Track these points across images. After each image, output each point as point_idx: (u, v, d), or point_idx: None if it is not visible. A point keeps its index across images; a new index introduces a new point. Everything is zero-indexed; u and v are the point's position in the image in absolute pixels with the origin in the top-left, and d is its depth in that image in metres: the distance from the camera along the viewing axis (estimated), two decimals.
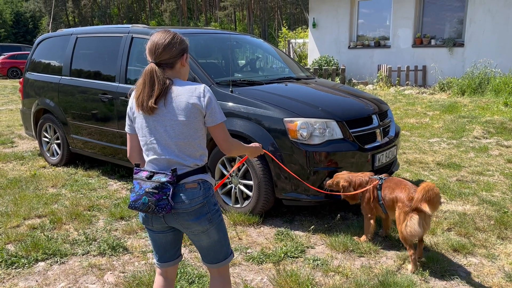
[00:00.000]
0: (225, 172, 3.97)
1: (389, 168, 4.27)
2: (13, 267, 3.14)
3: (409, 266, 3.01)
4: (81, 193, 4.71)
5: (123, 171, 5.38)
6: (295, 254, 3.26)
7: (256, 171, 3.71)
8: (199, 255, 2.36)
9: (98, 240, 3.55)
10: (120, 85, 4.75)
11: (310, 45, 15.90)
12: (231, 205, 4.01)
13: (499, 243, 3.40)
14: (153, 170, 1.92)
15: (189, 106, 1.88)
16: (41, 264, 3.19)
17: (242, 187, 3.93)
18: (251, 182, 3.81)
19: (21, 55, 23.08)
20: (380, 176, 3.39)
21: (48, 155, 5.95)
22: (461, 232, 3.55)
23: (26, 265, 3.15)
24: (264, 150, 2.49)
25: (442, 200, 2.89)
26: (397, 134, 4.37)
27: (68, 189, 4.83)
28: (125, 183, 5.07)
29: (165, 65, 1.92)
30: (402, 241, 3.05)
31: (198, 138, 1.94)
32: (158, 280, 2.17)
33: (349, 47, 14.71)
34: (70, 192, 4.74)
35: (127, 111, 2.03)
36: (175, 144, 1.91)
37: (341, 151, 3.67)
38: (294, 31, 25.41)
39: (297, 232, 3.67)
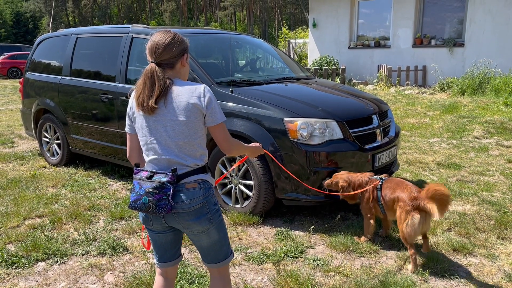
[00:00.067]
0: (224, 171, 3.97)
1: (389, 168, 4.27)
2: (13, 267, 3.14)
3: (409, 266, 3.02)
4: (81, 193, 4.72)
5: (123, 171, 5.39)
6: (295, 254, 3.26)
7: (256, 171, 3.72)
8: (199, 255, 2.36)
9: (98, 240, 3.55)
10: (120, 85, 4.75)
11: (310, 45, 15.90)
12: (231, 205, 4.01)
13: (499, 243, 3.41)
14: (153, 170, 1.92)
15: (189, 106, 1.88)
16: (41, 264, 3.20)
17: (242, 187, 3.93)
18: (251, 182, 3.81)
19: (21, 55, 23.09)
20: (380, 176, 3.39)
21: (48, 155, 5.95)
22: (461, 232, 3.56)
23: (26, 265, 3.16)
24: (264, 150, 2.49)
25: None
26: (397, 134, 4.37)
27: (68, 189, 4.84)
28: (125, 183, 5.07)
29: (165, 65, 1.92)
30: (402, 241, 3.05)
31: (198, 138, 1.94)
32: (158, 280, 2.17)
33: (349, 47, 14.71)
34: (70, 192, 4.74)
35: (127, 111, 2.03)
36: (175, 144, 1.91)
37: (341, 151, 3.67)
38: (294, 31, 25.43)
39: (297, 232, 3.67)
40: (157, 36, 1.93)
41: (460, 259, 3.17)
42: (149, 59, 1.92)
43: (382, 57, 13.84)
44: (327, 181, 3.50)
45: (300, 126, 3.61)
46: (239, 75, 5.02)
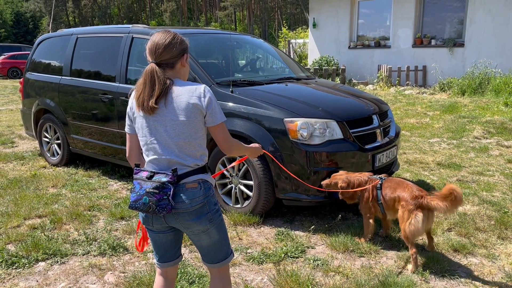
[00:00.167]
0: (225, 172, 3.97)
1: (389, 168, 4.27)
2: (14, 267, 3.14)
3: (409, 266, 3.02)
4: (82, 193, 4.72)
5: (124, 171, 5.39)
6: (295, 254, 3.26)
7: (256, 171, 3.72)
8: (200, 255, 2.36)
9: (98, 240, 3.55)
10: (121, 85, 4.75)
11: (310, 45, 15.90)
12: (231, 205, 4.01)
13: (499, 243, 3.41)
14: (153, 170, 1.92)
15: (189, 106, 1.88)
16: (42, 264, 3.20)
17: (242, 187, 3.93)
18: (251, 182, 3.81)
19: (21, 55, 23.10)
20: (379, 176, 3.39)
21: (49, 155, 5.96)
22: (462, 232, 3.56)
23: (27, 265, 3.16)
24: (264, 151, 2.49)
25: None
26: (397, 134, 4.37)
27: (69, 189, 4.84)
28: (126, 183, 5.08)
29: (165, 65, 1.92)
30: (404, 240, 3.06)
31: (198, 138, 1.94)
32: (158, 280, 2.17)
33: (349, 47, 14.71)
34: (71, 192, 4.74)
35: (127, 111, 2.03)
36: (176, 144, 1.91)
37: (342, 151, 3.67)
38: (294, 31, 25.43)
39: (297, 232, 3.67)
40: (157, 36, 1.93)
41: (460, 259, 3.17)
42: (149, 59, 1.92)
43: (382, 57, 13.84)
44: (325, 181, 3.50)
45: (300, 126, 3.61)
46: (239, 75, 5.02)
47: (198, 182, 1.94)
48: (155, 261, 2.18)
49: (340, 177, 3.44)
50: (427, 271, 2.96)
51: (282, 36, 24.42)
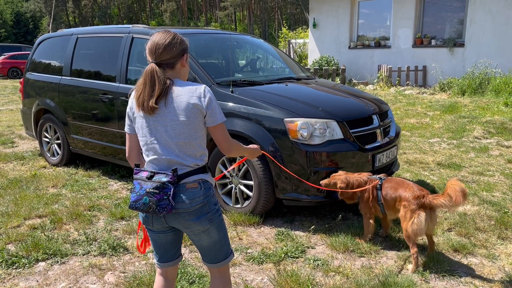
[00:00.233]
0: (223, 170, 3.97)
1: (390, 168, 4.27)
2: (14, 267, 3.14)
3: (409, 266, 3.02)
4: (82, 193, 4.72)
5: (124, 171, 5.39)
6: (295, 254, 3.26)
7: (256, 171, 3.72)
8: (200, 255, 2.36)
9: (98, 240, 3.55)
10: (121, 85, 4.75)
11: (310, 45, 15.91)
12: (231, 205, 4.01)
13: (499, 243, 3.41)
14: (154, 170, 1.92)
15: (189, 106, 1.88)
16: (42, 264, 3.20)
17: (242, 187, 3.93)
18: (251, 182, 3.81)
19: (22, 55, 23.10)
20: (379, 176, 3.39)
21: (49, 155, 5.96)
22: (462, 232, 3.56)
23: (27, 265, 3.16)
24: (262, 151, 2.49)
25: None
26: (397, 134, 4.37)
27: (69, 189, 4.84)
28: (126, 183, 5.08)
29: (165, 65, 1.92)
30: (406, 239, 3.06)
31: (198, 138, 1.94)
32: (158, 280, 2.17)
33: (349, 47, 14.72)
34: (71, 192, 4.74)
35: (127, 111, 2.03)
36: (176, 144, 1.91)
37: (342, 151, 3.67)
38: (295, 31, 25.43)
39: (297, 232, 3.67)
40: (157, 36, 1.93)
41: (461, 259, 3.17)
42: (149, 59, 1.93)
43: (382, 57, 13.84)
44: (324, 181, 3.50)
45: (300, 126, 3.61)
46: (239, 75, 5.02)
47: (198, 182, 1.94)
48: (155, 261, 2.18)
49: (339, 177, 3.44)
50: (427, 271, 2.96)
51: (282, 36, 24.42)
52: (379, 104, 4.36)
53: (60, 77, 5.55)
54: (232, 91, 3.97)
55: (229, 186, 4.03)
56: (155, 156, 1.94)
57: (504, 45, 11.54)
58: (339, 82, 12.34)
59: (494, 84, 10.38)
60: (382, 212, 3.33)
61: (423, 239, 3.35)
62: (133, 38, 4.77)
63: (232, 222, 3.82)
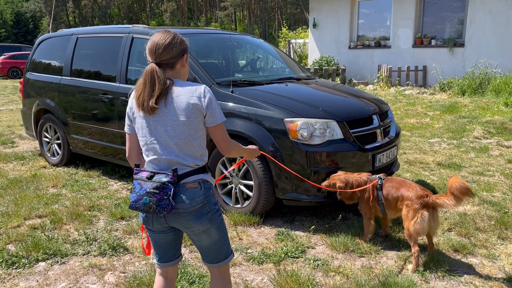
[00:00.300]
0: (224, 171, 3.97)
1: (390, 168, 4.27)
2: (14, 267, 3.14)
3: (409, 266, 3.02)
4: (82, 193, 4.72)
5: (124, 171, 5.39)
6: (295, 254, 3.26)
7: (256, 171, 3.72)
8: (200, 255, 2.36)
9: (98, 240, 3.55)
10: (121, 85, 4.75)
11: (311, 45, 15.90)
12: (231, 205, 4.01)
13: (499, 243, 3.41)
14: (154, 170, 1.92)
15: (189, 106, 1.88)
16: (42, 264, 3.20)
17: (242, 187, 3.93)
18: (251, 182, 3.81)
19: (22, 55, 23.11)
20: (379, 176, 3.39)
21: (49, 155, 5.96)
22: (462, 232, 3.56)
23: (27, 265, 3.16)
24: (261, 152, 2.49)
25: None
26: (397, 134, 4.37)
27: (69, 189, 4.84)
28: (126, 183, 5.08)
29: (165, 65, 1.92)
30: (407, 238, 3.08)
31: (198, 138, 1.94)
32: (158, 280, 2.17)
33: (349, 47, 14.71)
34: (71, 192, 4.74)
35: (127, 111, 2.03)
36: (176, 144, 1.91)
37: (342, 152, 3.67)
38: (295, 31, 25.42)
39: (297, 232, 3.67)
40: (157, 36, 1.93)
41: (461, 259, 3.17)
42: (149, 59, 1.93)
43: (382, 57, 13.84)
44: (324, 183, 3.51)
45: (300, 126, 3.61)
46: (240, 75, 5.02)
47: (198, 182, 1.94)
48: (155, 261, 2.18)
49: (339, 178, 3.44)
50: (427, 271, 2.96)
51: (282, 36, 24.41)
52: (379, 104, 4.36)
53: (60, 77, 5.55)
54: (232, 91, 3.97)
55: (229, 186, 4.03)
56: (155, 156, 1.94)
57: (504, 45, 11.54)
58: (339, 82, 12.34)
59: (494, 84, 10.38)
60: (383, 212, 3.34)
61: (423, 239, 3.35)
62: (133, 38, 4.77)
63: (232, 222, 3.82)
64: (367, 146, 3.85)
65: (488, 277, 2.92)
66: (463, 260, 3.15)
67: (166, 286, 2.16)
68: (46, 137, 5.95)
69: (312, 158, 3.58)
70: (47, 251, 3.31)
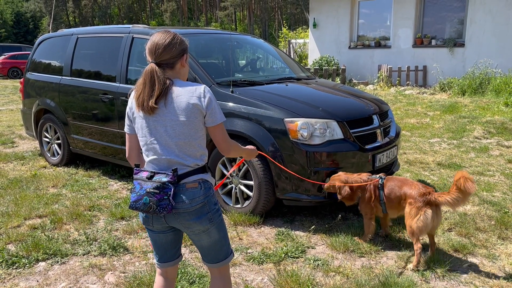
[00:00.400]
0: (225, 172, 3.97)
1: (390, 168, 4.27)
2: (14, 267, 3.14)
3: (410, 266, 3.02)
4: (82, 193, 4.72)
5: (124, 171, 5.39)
6: (295, 254, 3.26)
7: (256, 171, 3.72)
8: (200, 255, 2.36)
9: (98, 240, 3.55)
10: (121, 85, 4.75)
11: (311, 45, 15.90)
12: (231, 205, 4.01)
13: (499, 243, 3.40)
14: (154, 170, 1.92)
15: (189, 106, 1.88)
16: (42, 264, 3.20)
17: (242, 187, 3.93)
18: (251, 182, 3.81)
19: (22, 55, 23.11)
20: (379, 175, 3.39)
21: (49, 155, 5.96)
22: (462, 232, 3.55)
23: (27, 265, 3.16)
24: (259, 152, 2.49)
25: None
26: (397, 134, 4.37)
27: (69, 189, 4.84)
28: (126, 183, 5.08)
29: (165, 65, 1.92)
30: (409, 235, 3.09)
31: (198, 138, 1.94)
32: (158, 280, 2.17)
33: (349, 47, 14.71)
34: (71, 192, 4.74)
35: (127, 111, 2.03)
36: (176, 144, 1.91)
37: (342, 152, 3.67)
38: (295, 31, 25.41)
39: (297, 232, 3.67)
40: (157, 37, 1.93)
41: (461, 259, 3.17)
42: (149, 59, 1.93)
43: (383, 57, 13.84)
44: (326, 185, 3.51)
45: (300, 126, 3.61)
46: (240, 75, 5.02)
47: (198, 182, 1.94)
48: (155, 261, 2.18)
49: (338, 178, 3.44)
50: (427, 271, 2.96)
51: (282, 36, 24.40)
52: (379, 104, 4.36)
53: (60, 77, 5.55)
54: (232, 91, 3.97)
55: (229, 186, 4.03)
56: (155, 156, 1.94)
57: (504, 45, 11.54)
58: (339, 82, 12.34)
59: (494, 84, 10.38)
60: (384, 212, 3.34)
61: (423, 239, 3.35)
62: (133, 38, 4.77)
63: (232, 222, 3.82)
64: (367, 146, 3.85)
65: (488, 277, 2.92)
66: (463, 260, 3.15)
67: (166, 286, 2.16)
68: (46, 137, 5.95)
69: (312, 158, 3.58)
70: (47, 251, 3.31)
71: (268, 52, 5.77)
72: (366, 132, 3.91)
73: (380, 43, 14.07)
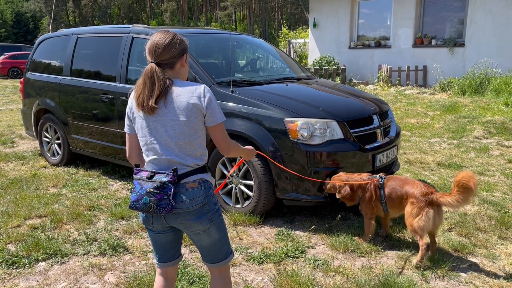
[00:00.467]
0: (225, 172, 3.98)
1: (390, 168, 4.27)
2: (14, 267, 3.14)
3: (414, 261, 3.03)
4: (82, 193, 4.72)
5: (124, 171, 5.39)
6: (295, 254, 3.26)
7: (256, 171, 3.72)
8: (200, 255, 2.36)
9: (98, 240, 3.55)
10: (121, 85, 4.75)
11: (311, 45, 15.90)
12: (231, 205, 4.01)
13: (499, 243, 3.40)
14: (154, 170, 1.92)
15: (189, 106, 1.88)
16: (42, 264, 3.20)
17: (242, 187, 3.93)
18: (251, 182, 3.81)
19: (22, 55, 23.11)
20: (379, 175, 3.39)
21: (49, 155, 5.96)
22: (462, 232, 3.55)
23: (27, 265, 3.16)
24: (257, 151, 2.49)
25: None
26: (397, 134, 4.37)
27: (69, 189, 4.84)
28: (126, 183, 5.08)
29: (165, 65, 1.92)
30: (412, 233, 3.10)
31: (198, 138, 1.94)
32: (158, 280, 2.17)
33: (349, 47, 14.71)
34: (71, 192, 4.74)
35: (127, 111, 2.03)
36: (176, 144, 1.91)
37: (342, 151, 3.67)
38: (295, 31, 25.41)
39: (297, 232, 3.67)
40: (157, 36, 1.93)
41: (461, 259, 3.17)
42: (149, 59, 1.93)
43: (383, 57, 13.84)
44: (328, 186, 3.51)
45: (300, 126, 3.61)
46: (240, 75, 5.02)
47: (198, 181, 1.94)
48: (155, 261, 2.18)
49: (339, 178, 3.44)
50: (428, 271, 2.96)
51: (282, 36, 24.40)
52: (379, 104, 4.36)
53: (60, 77, 5.55)
54: (232, 91, 3.97)
55: (230, 186, 4.03)
56: (155, 156, 1.94)
57: (505, 45, 11.54)
58: (339, 82, 12.34)
59: (494, 84, 10.38)
60: (385, 212, 3.34)
61: None
62: (133, 38, 4.77)
63: (232, 222, 3.82)
64: (367, 146, 3.85)
65: (488, 277, 2.92)
66: (463, 260, 3.15)
67: (166, 286, 2.16)
68: (46, 137, 5.95)
69: (312, 158, 3.58)
70: (47, 251, 3.31)
71: (268, 52, 5.76)
72: (366, 132, 3.91)
73: (380, 43, 14.06)
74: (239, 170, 3.92)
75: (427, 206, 2.99)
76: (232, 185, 4.01)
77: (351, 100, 4.35)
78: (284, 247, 3.36)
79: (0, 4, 60.96)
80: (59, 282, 2.96)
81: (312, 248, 3.40)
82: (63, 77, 5.50)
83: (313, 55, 15.50)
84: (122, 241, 3.52)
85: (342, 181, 3.42)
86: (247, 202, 3.92)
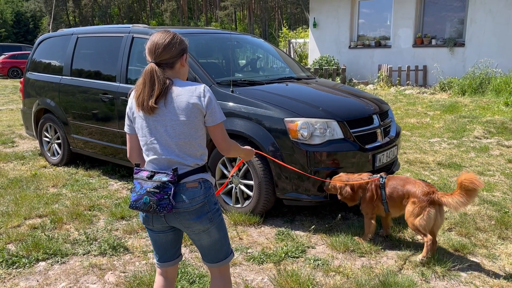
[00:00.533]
0: (225, 172, 3.97)
1: (390, 168, 4.27)
2: (14, 267, 3.14)
3: (419, 256, 3.04)
4: (82, 193, 4.72)
5: (124, 171, 5.39)
6: (295, 254, 3.26)
7: (256, 171, 3.71)
8: (200, 254, 2.36)
9: (98, 240, 3.55)
10: (121, 85, 4.75)
11: (311, 45, 15.90)
12: (231, 205, 4.01)
13: (499, 243, 3.40)
14: (154, 170, 1.92)
15: (189, 106, 1.88)
16: (42, 264, 3.20)
17: (242, 187, 3.93)
18: (251, 182, 3.81)
19: (22, 55, 23.11)
20: (380, 175, 3.39)
21: (49, 155, 5.96)
22: (462, 232, 3.55)
23: (27, 265, 3.16)
24: (257, 151, 2.48)
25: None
26: (397, 134, 4.37)
27: (69, 189, 4.84)
28: (126, 183, 5.08)
29: (165, 65, 1.92)
30: (414, 231, 3.12)
31: (198, 137, 1.94)
32: (158, 280, 2.17)
33: (349, 47, 14.71)
34: (71, 192, 4.74)
35: (127, 111, 2.03)
36: (176, 144, 1.91)
37: (342, 151, 3.67)
38: (295, 31, 25.40)
39: (297, 232, 3.67)
40: (157, 36, 1.93)
41: (461, 259, 3.17)
42: (149, 59, 1.93)
43: (383, 57, 13.83)
44: (329, 186, 3.50)
45: (300, 126, 3.61)
46: (240, 75, 5.02)
47: (198, 181, 1.94)
48: (155, 261, 2.18)
49: (339, 179, 3.44)
50: (428, 271, 2.96)
51: (282, 35, 24.39)
52: (379, 104, 4.36)
53: (60, 76, 5.55)
54: (232, 91, 3.97)
55: (230, 186, 4.03)
56: (155, 156, 1.94)
57: (505, 45, 11.54)
58: (340, 82, 12.34)
59: (494, 84, 10.38)
60: (386, 211, 3.33)
61: (423, 240, 3.35)
62: (133, 37, 4.77)
63: (232, 222, 3.82)
64: (368, 146, 3.85)
65: (488, 277, 2.92)
66: (464, 259, 3.15)
67: (166, 286, 2.16)
68: (46, 136, 5.95)
69: (312, 158, 3.58)
70: (47, 250, 3.31)
71: (268, 51, 5.76)
72: (366, 132, 3.91)
73: (380, 43, 14.06)
74: (239, 170, 3.92)
75: (428, 206, 3.00)
76: (232, 185, 4.01)
77: (351, 100, 4.35)
78: (284, 247, 3.36)
79: (0, 4, 60.97)
80: (59, 282, 2.96)
81: (312, 248, 3.40)
82: (63, 77, 5.50)
83: (313, 55, 15.50)
84: (122, 241, 3.52)
85: (342, 181, 3.42)
86: (247, 202, 3.92)
